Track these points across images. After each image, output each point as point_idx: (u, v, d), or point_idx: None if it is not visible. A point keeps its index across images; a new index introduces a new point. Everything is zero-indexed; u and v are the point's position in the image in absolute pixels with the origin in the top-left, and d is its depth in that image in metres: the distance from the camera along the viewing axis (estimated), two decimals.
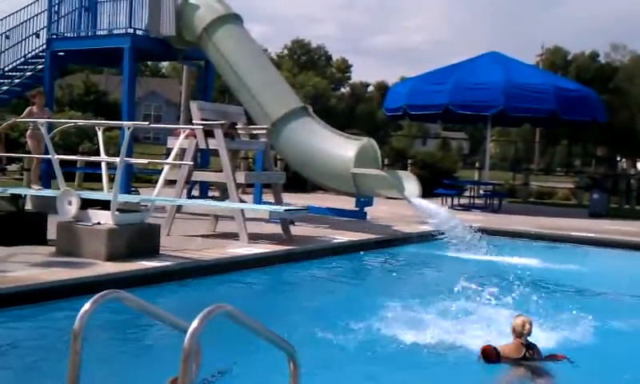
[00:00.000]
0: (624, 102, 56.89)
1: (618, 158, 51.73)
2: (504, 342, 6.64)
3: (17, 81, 19.27)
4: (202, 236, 12.41)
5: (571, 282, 11.08)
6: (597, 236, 15.39)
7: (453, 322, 7.40)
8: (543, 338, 6.95)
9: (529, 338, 6.53)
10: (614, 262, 13.67)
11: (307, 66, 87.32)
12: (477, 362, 6.42)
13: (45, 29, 18.60)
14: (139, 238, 9.92)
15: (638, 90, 59.42)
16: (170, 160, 11.35)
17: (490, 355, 6.39)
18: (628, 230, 16.71)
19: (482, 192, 22.93)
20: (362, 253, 12.79)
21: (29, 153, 14.60)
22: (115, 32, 17.57)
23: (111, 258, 9.31)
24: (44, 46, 18.58)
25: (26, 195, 11.64)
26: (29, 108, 13.90)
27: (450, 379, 6.33)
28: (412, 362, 6.60)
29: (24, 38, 19.21)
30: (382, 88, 69.31)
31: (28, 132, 14.10)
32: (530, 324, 6.54)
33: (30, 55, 19.19)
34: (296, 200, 17.27)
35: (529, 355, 6.48)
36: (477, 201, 22.32)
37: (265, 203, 14.31)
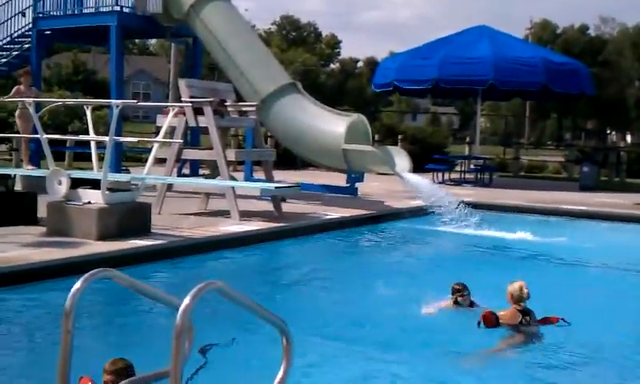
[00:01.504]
0: (613, 74, 57.01)
1: (608, 131, 51.87)
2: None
3: (3, 61, 19.10)
4: (194, 214, 12.39)
5: (562, 254, 11.12)
6: (587, 209, 15.44)
7: (444, 295, 7.41)
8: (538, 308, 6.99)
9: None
10: (605, 234, 13.72)
11: (296, 42, 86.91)
12: (477, 328, 6.50)
13: (31, 7, 18.41)
14: (130, 217, 9.89)
15: (628, 62, 59.53)
16: (159, 138, 11.30)
17: (490, 321, 6.55)
18: (618, 202, 16.76)
19: (472, 167, 22.94)
20: (353, 229, 12.84)
21: (18, 133, 14.51)
22: (102, 10, 17.41)
23: (102, 237, 9.29)
24: (30, 25, 18.39)
25: (15, 175, 11.59)
26: (16, 87, 13.81)
27: (449, 344, 6.35)
28: (408, 331, 6.63)
29: (10, 17, 19.01)
30: (372, 64, 69.03)
31: (17, 112, 14.01)
32: (527, 288, 6.62)
33: (16, 34, 19.00)
34: (286, 177, 17.25)
35: (525, 322, 6.57)
36: (467, 175, 22.33)
37: (256, 180, 14.30)
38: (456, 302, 7.22)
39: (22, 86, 13.74)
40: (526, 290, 6.61)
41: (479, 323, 6.56)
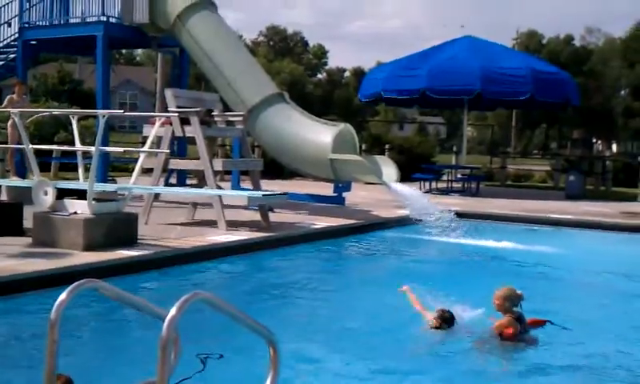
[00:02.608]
0: (599, 84, 57.35)
1: (594, 140, 52.12)
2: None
3: None
4: (181, 224, 12.35)
5: (548, 263, 11.16)
6: (574, 217, 15.50)
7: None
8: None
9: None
10: (591, 243, 13.77)
11: (283, 52, 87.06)
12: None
13: (16, 17, 18.37)
14: (117, 227, 9.85)
15: (613, 72, 59.92)
16: (146, 148, 11.27)
17: (515, 336, 6.48)
18: (604, 211, 16.84)
19: (459, 176, 23.02)
20: (340, 238, 12.83)
21: (5, 143, 14.46)
22: (88, 20, 17.38)
23: (89, 247, 9.25)
24: (16, 35, 18.35)
25: (0, 186, 11.52)
26: (9, 97, 13.82)
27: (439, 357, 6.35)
28: (399, 341, 6.62)
29: None
30: (359, 74, 69.24)
31: (10, 121, 13.96)
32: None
33: (1, 44, 18.95)
34: (274, 187, 17.21)
35: (523, 330, 6.57)
36: (454, 185, 22.40)
37: (243, 190, 14.27)
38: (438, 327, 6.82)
39: (15, 96, 13.73)
40: (519, 292, 6.61)
41: (501, 335, 6.49)
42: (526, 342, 6.54)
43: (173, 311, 2.69)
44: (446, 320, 6.76)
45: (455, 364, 6.17)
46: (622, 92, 63.36)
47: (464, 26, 59.46)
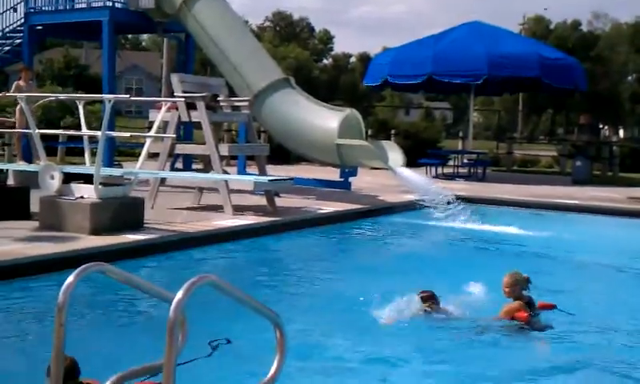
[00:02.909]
0: (606, 69, 57.13)
1: (601, 126, 51.95)
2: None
3: None
4: (187, 208, 12.37)
5: (555, 248, 11.16)
6: (580, 203, 15.47)
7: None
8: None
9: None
10: (598, 228, 13.75)
11: (289, 37, 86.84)
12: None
13: (22, 3, 18.36)
14: (123, 212, 9.87)
15: (620, 57, 59.67)
16: (152, 133, 11.28)
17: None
18: (611, 196, 16.80)
19: (465, 161, 22.98)
20: (346, 223, 12.86)
21: (12, 127, 14.49)
22: (94, 5, 17.39)
23: (95, 231, 9.27)
24: (22, 20, 18.35)
25: (7, 170, 11.55)
26: (16, 82, 13.87)
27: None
28: (410, 331, 6.61)
29: (1, 12, 18.96)
30: (365, 59, 69.03)
31: (18, 106, 13.99)
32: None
33: (7, 30, 18.96)
34: (280, 172, 17.21)
35: (533, 313, 6.59)
36: (461, 170, 22.37)
37: (249, 175, 14.27)
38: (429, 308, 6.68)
39: (21, 81, 13.78)
40: (526, 275, 6.64)
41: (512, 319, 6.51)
42: (537, 326, 6.56)
43: (180, 294, 2.70)
44: (428, 298, 6.71)
45: (464, 351, 6.17)
46: (630, 77, 63.13)
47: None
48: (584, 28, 66.79)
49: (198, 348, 4.99)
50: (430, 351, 6.15)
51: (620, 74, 61.03)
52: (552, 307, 6.90)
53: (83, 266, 3.07)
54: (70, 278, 3.01)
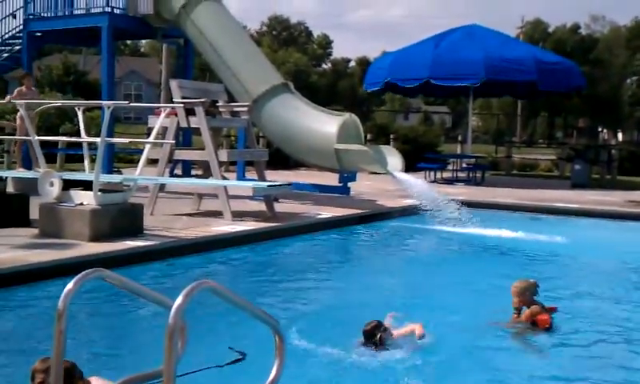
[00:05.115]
0: (605, 73, 57.19)
1: (599, 129, 52.00)
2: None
3: None
4: (186, 215, 12.38)
5: (554, 252, 11.17)
6: (579, 206, 15.48)
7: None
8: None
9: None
10: (597, 232, 13.76)
11: (287, 42, 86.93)
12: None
13: (21, 9, 18.38)
14: (122, 218, 9.89)
15: (619, 60, 59.73)
16: (151, 139, 11.29)
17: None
18: (610, 199, 16.82)
19: (464, 165, 23.00)
20: (345, 228, 12.86)
21: (11, 134, 14.50)
22: (93, 11, 17.39)
23: (95, 238, 9.28)
24: (21, 27, 18.36)
25: (7, 177, 11.56)
26: (18, 89, 13.90)
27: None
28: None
29: (0, 18, 18.98)
30: (364, 63, 69.08)
31: (19, 113, 14.02)
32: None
33: (6, 36, 18.98)
34: (279, 177, 17.25)
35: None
36: (460, 174, 22.38)
37: (248, 181, 14.29)
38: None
39: (24, 88, 13.81)
40: (532, 280, 6.80)
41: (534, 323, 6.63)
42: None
43: (179, 300, 2.71)
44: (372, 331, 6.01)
45: (483, 358, 6.19)
46: (628, 80, 63.18)
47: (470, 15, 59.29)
48: (583, 31, 66.92)
49: (199, 355, 5.00)
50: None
51: (619, 76, 61.07)
52: (553, 310, 6.95)
53: (83, 273, 3.07)
54: (70, 285, 3.01)
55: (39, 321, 6.67)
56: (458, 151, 26.90)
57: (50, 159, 15.17)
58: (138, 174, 10.66)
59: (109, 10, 16.90)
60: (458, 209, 13.23)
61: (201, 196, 13.17)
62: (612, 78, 59.04)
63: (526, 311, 6.69)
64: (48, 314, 5.64)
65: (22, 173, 12.59)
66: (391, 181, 14.85)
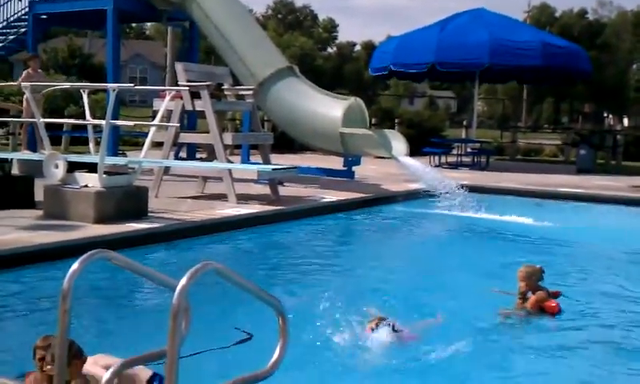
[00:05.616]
0: (612, 58, 56.95)
1: (605, 114, 51.85)
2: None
3: None
4: (191, 197, 12.40)
5: (558, 237, 11.16)
6: (584, 191, 15.47)
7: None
8: None
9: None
10: (601, 217, 13.75)
11: (293, 26, 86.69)
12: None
13: None
14: (127, 201, 9.90)
15: (626, 45, 59.46)
16: (156, 122, 11.29)
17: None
18: (615, 185, 16.79)
19: (469, 150, 22.96)
20: (349, 212, 12.88)
21: (16, 117, 14.52)
22: None
23: (99, 220, 9.30)
24: (26, 9, 18.34)
25: (12, 159, 11.59)
26: (25, 71, 13.90)
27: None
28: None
29: (6, 1, 18.96)
30: (369, 47, 68.89)
31: (25, 96, 14.02)
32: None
33: (12, 19, 18.96)
34: (284, 160, 17.22)
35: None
36: (464, 159, 22.36)
37: (253, 164, 14.28)
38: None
39: (30, 70, 13.81)
40: (538, 266, 6.85)
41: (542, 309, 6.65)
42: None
43: (184, 280, 2.72)
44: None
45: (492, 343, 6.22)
46: (634, 66, 62.91)
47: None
48: (590, 16, 66.58)
49: (204, 337, 5.03)
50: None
51: (626, 61, 60.81)
52: (557, 295, 6.97)
53: (88, 253, 3.08)
54: (75, 265, 3.03)
55: (44, 302, 6.71)
56: (463, 136, 26.86)
57: (55, 142, 15.20)
58: (143, 157, 10.67)
59: None
60: (463, 193, 13.23)
61: (205, 179, 13.18)
62: (619, 64, 58.80)
63: (531, 297, 6.70)
64: (53, 295, 5.66)
65: (27, 155, 12.61)
66: (396, 165, 14.84)
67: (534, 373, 5.60)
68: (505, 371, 5.62)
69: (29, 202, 10.36)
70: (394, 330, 5.80)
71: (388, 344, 5.69)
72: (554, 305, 6.65)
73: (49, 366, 3.86)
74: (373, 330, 5.82)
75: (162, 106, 11.36)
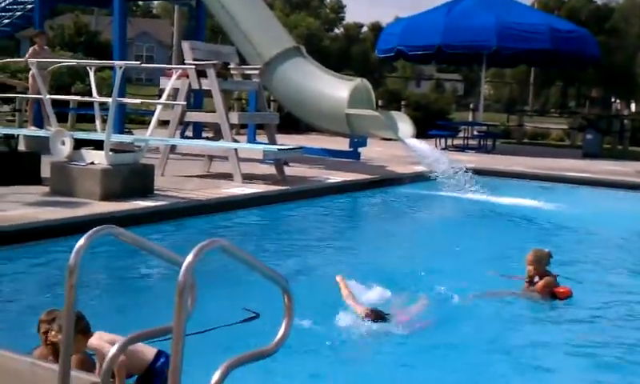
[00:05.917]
0: (620, 42, 56.60)
1: (612, 99, 51.62)
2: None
3: (6, 21, 19.03)
4: (196, 176, 12.41)
5: (564, 221, 11.16)
6: (591, 176, 15.44)
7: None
8: None
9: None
10: (608, 201, 13.73)
11: (300, 6, 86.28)
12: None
13: None
14: (133, 178, 9.92)
15: (635, 30, 59.10)
16: (162, 100, 11.28)
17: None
18: (621, 170, 16.76)
19: (475, 133, 22.91)
20: (355, 193, 12.89)
21: (22, 93, 14.51)
22: None
23: (106, 197, 9.32)
24: None
25: (18, 136, 11.60)
26: (32, 48, 13.87)
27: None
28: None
29: None
30: (376, 29, 68.54)
31: (31, 72, 14.01)
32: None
33: None
34: (289, 141, 17.20)
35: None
36: (470, 142, 22.31)
37: (258, 144, 14.29)
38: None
39: (37, 47, 13.79)
40: (547, 250, 6.87)
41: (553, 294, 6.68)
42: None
43: (190, 257, 2.73)
44: (378, 316, 5.87)
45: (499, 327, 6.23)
46: None
47: None
48: (598, 0, 66.11)
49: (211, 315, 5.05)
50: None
51: (634, 46, 60.41)
52: (567, 294, 6.97)
53: (95, 229, 3.10)
54: (82, 241, 3.04)
55: (50, 277, 6.74)
56: (470, 119, 26.78)
57: (62, 119, 15.17)
58: (149, 135, 10.67)
59: None
60: (469, 176, 13.21)
61: (211, 158, 13.18)
62: (627, 48, 58.42)
63: (539, 282, 6.68)
64: (58, 270, 5.68)
65: (33, 131, 12.61)
66: (402, 147, 14.82)
67: (541, 354, 5.61)
68: (508, 355, 5.63)
69: (35, 179, 10.39)
70: (384, 316, 5.83)
71: (381, 328, 5.70)
72: (564, 290, 6.65)
73: (53, 333, 3.90)
74: (367, 315, 5.81)
75: (168, 84, 11.36)
